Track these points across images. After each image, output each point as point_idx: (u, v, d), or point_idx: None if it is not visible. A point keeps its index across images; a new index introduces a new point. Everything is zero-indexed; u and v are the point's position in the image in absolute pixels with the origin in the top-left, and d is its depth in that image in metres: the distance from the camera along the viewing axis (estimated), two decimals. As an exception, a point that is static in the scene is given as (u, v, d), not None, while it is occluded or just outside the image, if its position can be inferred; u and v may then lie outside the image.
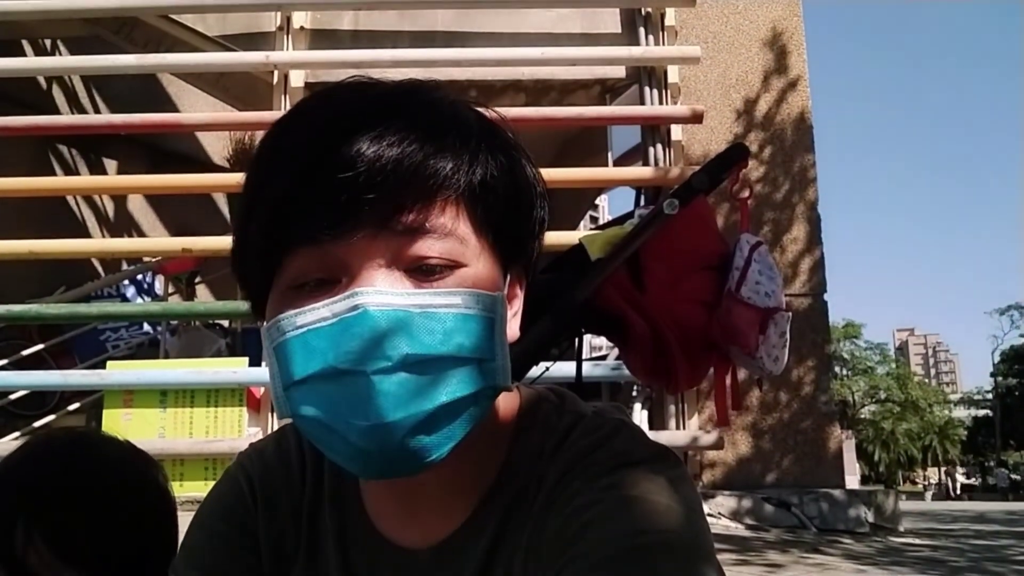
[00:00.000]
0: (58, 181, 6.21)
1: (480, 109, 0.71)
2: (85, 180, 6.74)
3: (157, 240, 6.74)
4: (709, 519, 0.65)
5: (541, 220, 0.73)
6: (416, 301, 0.60)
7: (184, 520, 1.00)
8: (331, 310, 0.60)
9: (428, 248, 0.62)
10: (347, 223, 0.60)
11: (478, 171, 0.65)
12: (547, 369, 2.04)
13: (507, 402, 0.75)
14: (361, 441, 0.60)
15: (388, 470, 0.63)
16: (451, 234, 0.63)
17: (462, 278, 0.63)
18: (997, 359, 52.33)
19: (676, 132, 5.10)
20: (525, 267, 0.74)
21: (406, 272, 0.62)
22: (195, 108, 6.79)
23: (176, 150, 7.12)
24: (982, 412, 57.13)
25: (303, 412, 0.62)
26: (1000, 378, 51.44)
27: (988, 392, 55.80)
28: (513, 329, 0.71)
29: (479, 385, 0.63)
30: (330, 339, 0.59)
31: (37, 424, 5.51)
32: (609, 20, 5.59)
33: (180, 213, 7.18)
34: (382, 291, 0.60)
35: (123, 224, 7.32)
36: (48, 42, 6.71)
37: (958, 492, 44.99)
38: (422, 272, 0.62)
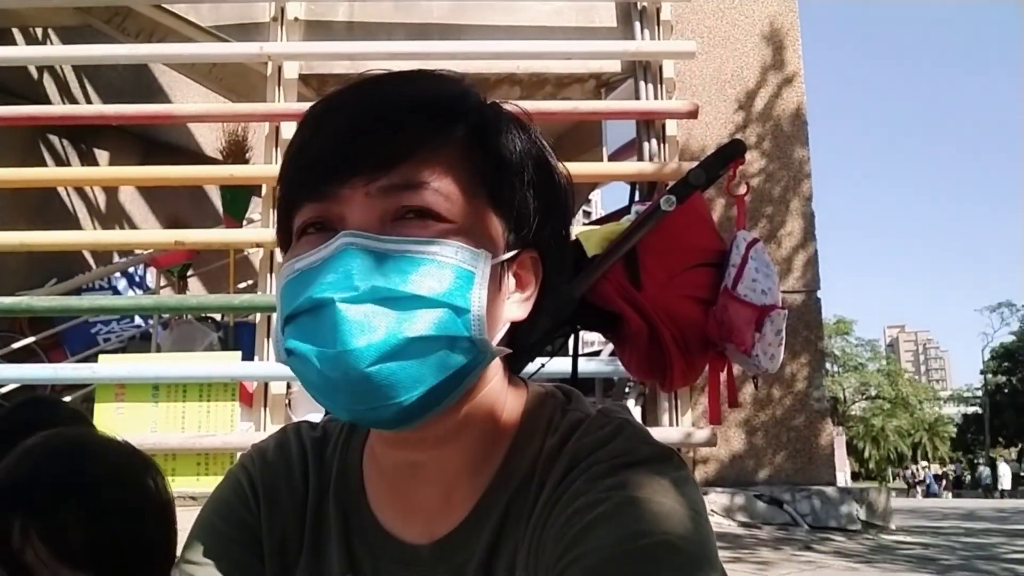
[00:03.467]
0: (49, 172, 6.17)
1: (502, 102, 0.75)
2: (76, 171, 6.69)
3: (149, 232, 6.70)
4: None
5: (555, 204, 0.75)
6: (395, 246, 0.64)
7: (179, 517, 1.00)
8: (320, 254, 0.64)
9: (412, 200, 0.66)
10: (340, 177, 0.66)
11: (465, 133, 0.69)
12: (543, 366, 2.04)
13: (512, 398, 0.75)
14: (327, 369, 0.62)
15: (356, 404, 0.64)
16: (436, 189, 0.66)
17: (445, 231, 0.66)
18: (987, 356, 52.56)
19: (671, 127, 5.10)
20: (540, 251, 0.74)
21: (393, 222, 0.66)
22: (188, 99, 6.76)
23: (168, 141, 7.08)
24: (972, 409, 57.34)
25: (288, 346, 0.65)
26: (990, 375, 51.60)
27: (978, 389, 56.02)
28: (519, 310, 0.73)
29: (449, 331, 0.64)
30: (316, 276, 0.64)
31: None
32: (605, 14, 5.57)
33: (172, 205, 7.14)
34: (364, 235, 0.64)
35: (115, 216, 7.28)
36: (39, 31, 6.66)
37: (954, 486, 44.77)
38: (407, 222, 0.66)
